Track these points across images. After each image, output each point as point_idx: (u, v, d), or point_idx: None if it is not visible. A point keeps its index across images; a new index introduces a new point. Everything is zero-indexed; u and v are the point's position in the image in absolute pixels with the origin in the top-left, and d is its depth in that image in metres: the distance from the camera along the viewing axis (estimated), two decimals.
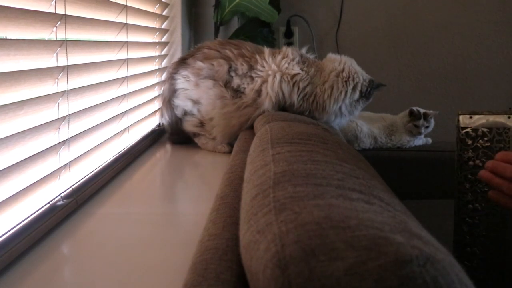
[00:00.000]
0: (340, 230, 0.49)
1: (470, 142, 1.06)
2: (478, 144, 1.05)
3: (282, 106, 1.55)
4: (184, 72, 1.58)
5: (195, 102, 1.58)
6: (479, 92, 2.52)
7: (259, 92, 1.53)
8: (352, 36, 2.52)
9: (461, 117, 1.08)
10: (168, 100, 1.63)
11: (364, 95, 1.58)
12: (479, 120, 1.06)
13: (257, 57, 1.57)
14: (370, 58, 2.53)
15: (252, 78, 1.54)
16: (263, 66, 1.55)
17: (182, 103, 1.59)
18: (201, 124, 1.60)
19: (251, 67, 1.55)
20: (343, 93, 1.56)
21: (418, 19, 2.50)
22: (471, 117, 1.06)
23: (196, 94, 1.57)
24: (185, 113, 1.61)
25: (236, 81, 1.54)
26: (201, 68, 1.56)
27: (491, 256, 1.08)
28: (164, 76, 1.70)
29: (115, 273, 0.80)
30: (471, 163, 1.06)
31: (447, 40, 2.51)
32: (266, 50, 1.59)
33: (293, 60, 1.56)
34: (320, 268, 0.44)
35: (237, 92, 1.54)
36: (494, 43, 2.49)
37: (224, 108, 1.54)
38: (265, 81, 1.53)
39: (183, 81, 1.58)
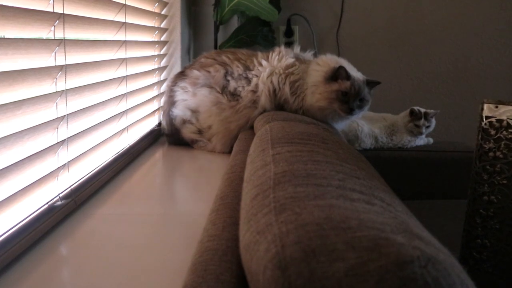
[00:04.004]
0: (341, 231, 0.48)
1: (493, 132, 1.04)
2: (501, 135, 1.03)
3: (278, 102, 1.55)
4: (182, 84, 1.62)
5: (194, 111, 1.60)
6: (481, 91, 2.51)
7: (254, 91, 1.55)
8: (353, 35, 2.52)
9: (486, 106, 1.05)
10: (168, 112, 1.66)
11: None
12: (505, 111, 1.03)
13: (253, 58, 1.60)
14: (371, 57, 2.52)
15: (247, 80, 1.57)
16: (258, 66, 1.57)
17: (181, 112, 1.62)
18: (200, 131, 1.61)
19: (247, 68, 1.58)
20: None
21: (419, 18, 2.50)
22: (497, 107, 1.04)
23: (194, 103, 1.59)
24: (184, 121, 1.63)
25: (232, 84, 1.57)
26: (197, 77, 1.60)
27: (502, 250, 1.07)
28: (164, 89, 1.73)
29: (114, 273, 0.79)
30: (491, 154, 1.04)
31: (448, 39, 2.50)
32: (260, 53, 1.63)
33: (285, 56, 1.58)
34: (321, 269, 0.44)
35: (234, 96, 1.56)
36: (495, 42, 2.49)
37: (221, 113, 1.56)
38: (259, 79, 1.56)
39: (181, 93, 1.61)
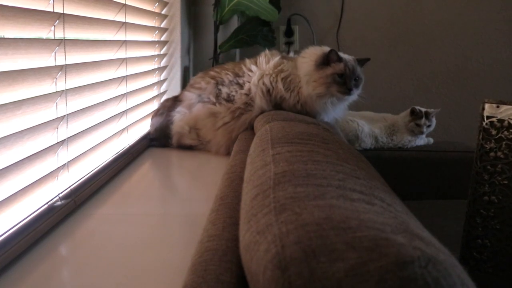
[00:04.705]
0: (341, 231, 0.48)
1: (494, 132, 1.03)
2: (502, 135, 1.03)
3: (275, 102, 1.56)
4: (178, 108, 1.65)
5: (192, 127, 1.62)
6: (481, 91, 2.51)
7: (247, 94, 1.57)
8: (353, 35, 2.51)
9: (487, 106, 1.04)
10: (164, 127, 1.65)
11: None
12: (507, 110, 1.02)
13: (241, 66, 1.63)
14: (371, 57, 2.51)
15: (239, 85, 1.59)
16: (248, 72, 1.60)
17: (179, 129, 1.63)
18: (199, 141, 1.63)
19: (237, 75, 1.61)
20: None
21: (420, 18, 2.49)
22: (498, 107, 1.03)
23: (191, 118, 1.62)
24: (182, 135, 1.63)
25: (224, 91, 1.59)
26: (191, 98, 1.64)
27: (503, 251, 1.06)
28: (156, 109, 1.74)
29: (114, 274, 0.79)
30: (492, 154, 1.04)
31: (449, 39, 2.50)
32: (247, 60, 1.65)
33: (271, 57, 1.61)
34: (321, 269, 0.44)
35: (228, 101, 1.59)
36: (495, 42, 2.49)
37: (219, 122, 1.57)
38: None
39: (178, 116, 1.64)
